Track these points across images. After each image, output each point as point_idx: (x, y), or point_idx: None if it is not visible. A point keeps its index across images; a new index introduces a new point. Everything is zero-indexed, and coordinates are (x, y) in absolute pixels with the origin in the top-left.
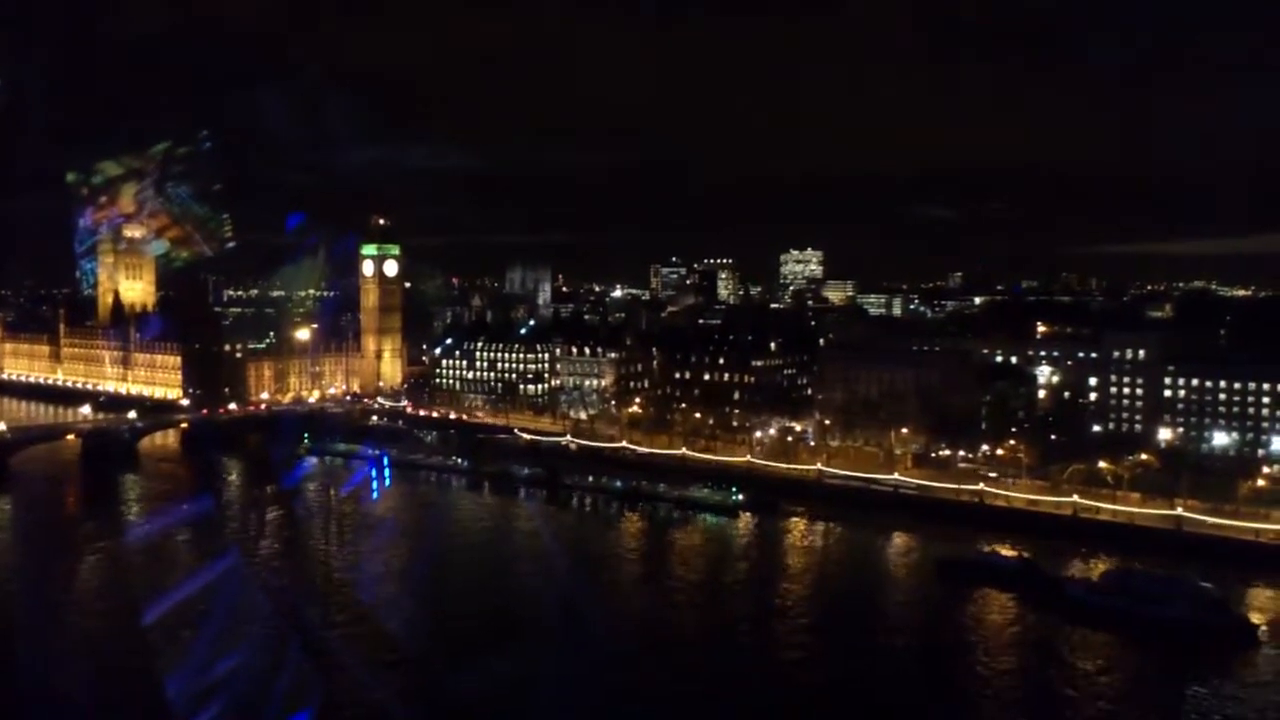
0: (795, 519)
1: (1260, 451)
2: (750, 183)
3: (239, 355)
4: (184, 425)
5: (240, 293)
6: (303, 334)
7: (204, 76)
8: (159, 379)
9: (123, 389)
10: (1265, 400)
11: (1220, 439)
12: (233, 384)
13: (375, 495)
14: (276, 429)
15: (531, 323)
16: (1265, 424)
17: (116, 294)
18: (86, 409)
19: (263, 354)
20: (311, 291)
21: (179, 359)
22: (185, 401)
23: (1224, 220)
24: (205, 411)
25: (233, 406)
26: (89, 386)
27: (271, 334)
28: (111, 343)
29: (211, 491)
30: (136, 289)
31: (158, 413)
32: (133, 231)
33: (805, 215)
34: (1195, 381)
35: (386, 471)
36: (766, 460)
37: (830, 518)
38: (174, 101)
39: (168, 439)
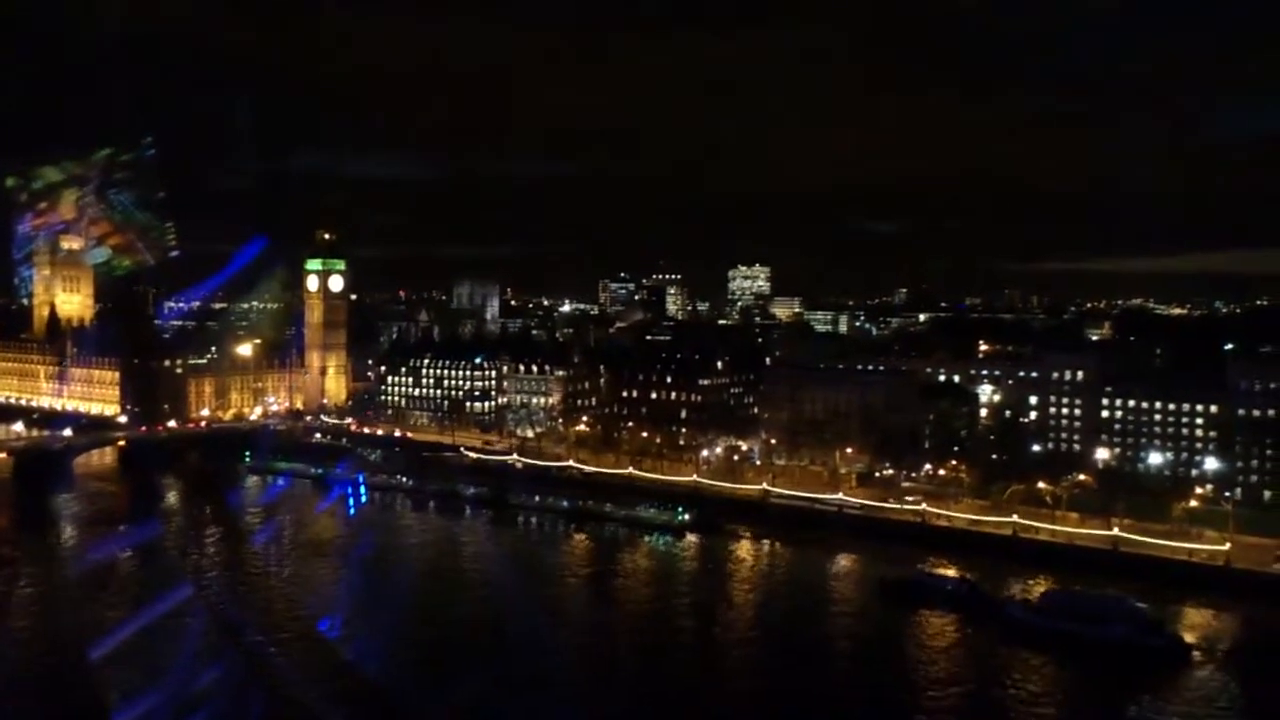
0: (741, 539)
1: (1194, 472)
2: (698, 198)
3: (179, 371)
4: (122, 443)
5: (181, 305)
6: (245, 349)
7: (145, 83)
8: (96, 395)
9: (58, 405)
10: (1199, 421)
11: (1155, 459)
12: (173, 400)
13: (353, 513)
14: (217, 447)
15: (479, 340)
16: (1199, 444)
17: (53, 306)
18: (19, 425)
19: (204, 369)
20: (256, 304)
21: (117, 374)
22: (123, 418)
23: (1160, 238)
24: (144, 429)
25: (172, 423)
26: (22, 402)
27: (213, 349)
28: (46, 357)
29: (154, 514)
30: (74, 301)
31: (94, 430)
32: (70, 242)
33: (752, 231)
34: (1132, 402)
35: (363, 491)
36: (713, 480)
37: (775, 537)
38: (118, 107)
39: (105, 457)
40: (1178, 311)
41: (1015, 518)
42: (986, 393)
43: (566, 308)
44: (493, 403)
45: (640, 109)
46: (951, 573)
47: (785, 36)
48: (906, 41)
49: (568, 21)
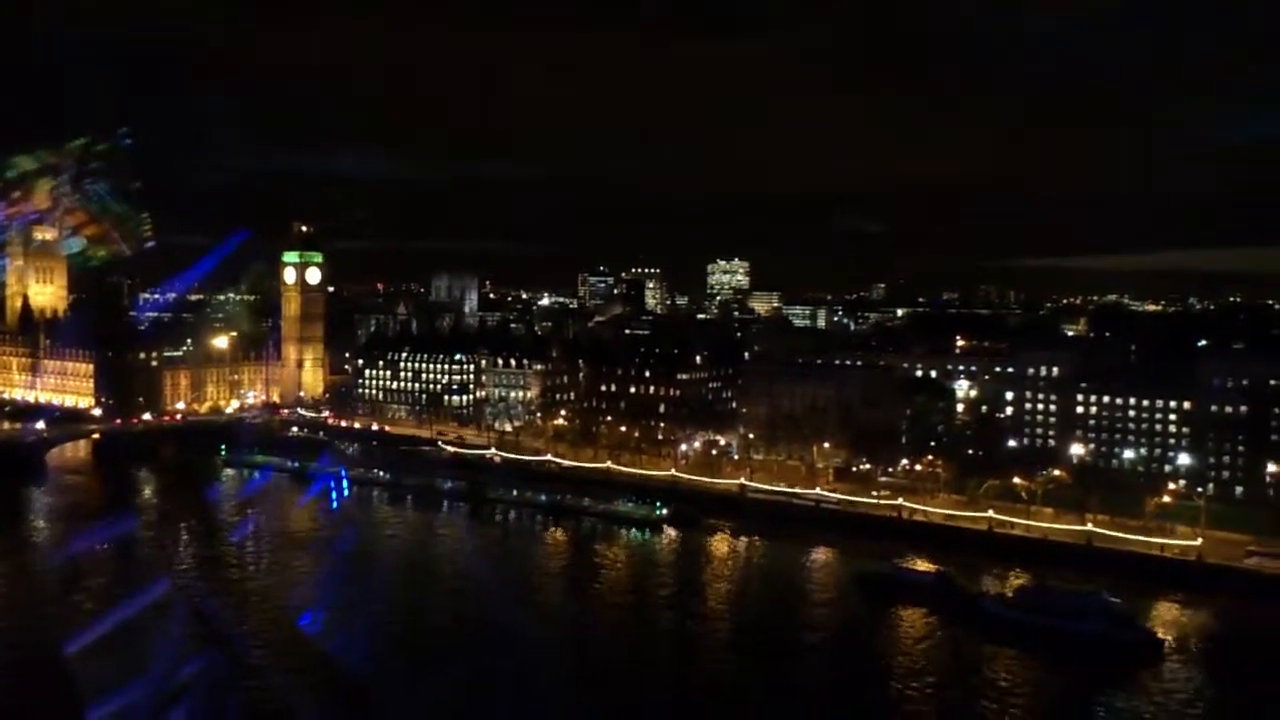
0: (718, 533)
1: (1166, 467)
2: (680, 193)
3: (154, 363)
4: (96, 436)
5: (158, 297)
6: (221, 341)
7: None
8: (70, 387)
9: (31, 397)
10: (1172, 417)
11: (1129, 455)
12: (147, 393)
13: (335, 507)
14: (193, 440)
15: (457, 334)
16: (1172, 440)
17: (26, 297)
18: None
19: (179, 362)
20: (232, 296)
21: (91, 366)
22: (97, 411)
23: (1137, 236)
24: (118, 421)
25: (147, 416)
26: None
27: (189, 341)
28: (20, 348)
29: (130, 508)
30: (47, 293)
31: (68, 422)
32: (44, 233)
33: (733, 226)
34: (1106, 398)
35: (345, 485)
36: (691, 474)
37: (753, 532)
38: (95, 98)
39: (79, 450)
40: (1152, 308)
41: (991, 513)
42: (963, 388)
43: (545, 301)
44: (471, 396)
45: (638, 109)
46: (927, 567)
47: (784, 37)
48: (905, 42)
49: (567, 22)
